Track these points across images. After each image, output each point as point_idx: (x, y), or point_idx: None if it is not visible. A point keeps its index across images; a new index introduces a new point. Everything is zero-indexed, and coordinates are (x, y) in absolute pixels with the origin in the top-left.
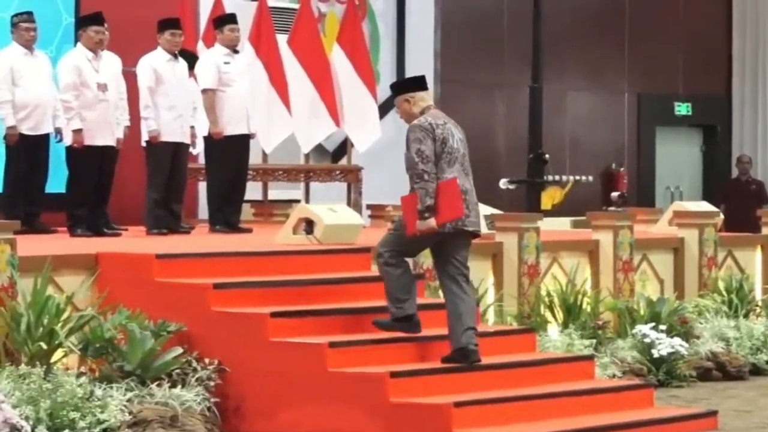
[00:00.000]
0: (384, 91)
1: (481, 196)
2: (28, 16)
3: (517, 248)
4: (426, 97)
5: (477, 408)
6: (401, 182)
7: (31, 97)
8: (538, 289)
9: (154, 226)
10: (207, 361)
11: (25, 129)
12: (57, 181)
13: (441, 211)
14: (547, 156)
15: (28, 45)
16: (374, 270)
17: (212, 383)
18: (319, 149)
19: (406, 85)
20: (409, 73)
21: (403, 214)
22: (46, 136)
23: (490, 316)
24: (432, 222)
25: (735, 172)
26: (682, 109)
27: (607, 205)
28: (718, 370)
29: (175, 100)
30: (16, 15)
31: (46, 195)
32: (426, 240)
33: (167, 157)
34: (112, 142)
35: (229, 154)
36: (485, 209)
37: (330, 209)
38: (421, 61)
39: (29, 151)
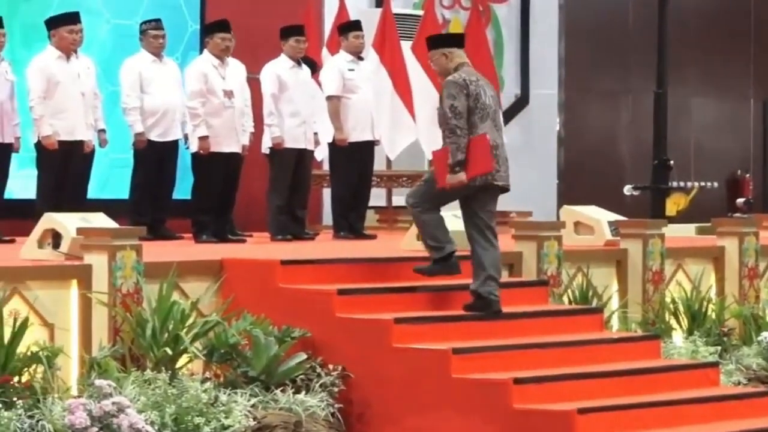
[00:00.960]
0: (507, 98)
1: (606, 202)
2: (157, 23)
3: (641, 255)
4: (462, 54)
5: (601, 415)
6: (523, 188)
7: (159, 104)
8: (663, 295)
9: (279, 232)
10: (331, 366)
11: (154, 136)
12: (183, 188)
13: (471, 165)
14: (671, 162)
15: (157, 52)
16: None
17: (336, 389)
18: None
19: (445, 40)
20: (534, 80)
21: (435, 167)
22: (175, 143)
23: (615, 322)
24: (462, 176)
25: None
26: None
27: (732, 212)
28: None
29: (299, 106)
30: (144, 22)
31: (172, 201)
32: (455, 193)
33: (291, 164)
34: (237, 149)
35: (354, 160)
36: (609, 216)
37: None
38: (545, 68)
39: (157, 157)
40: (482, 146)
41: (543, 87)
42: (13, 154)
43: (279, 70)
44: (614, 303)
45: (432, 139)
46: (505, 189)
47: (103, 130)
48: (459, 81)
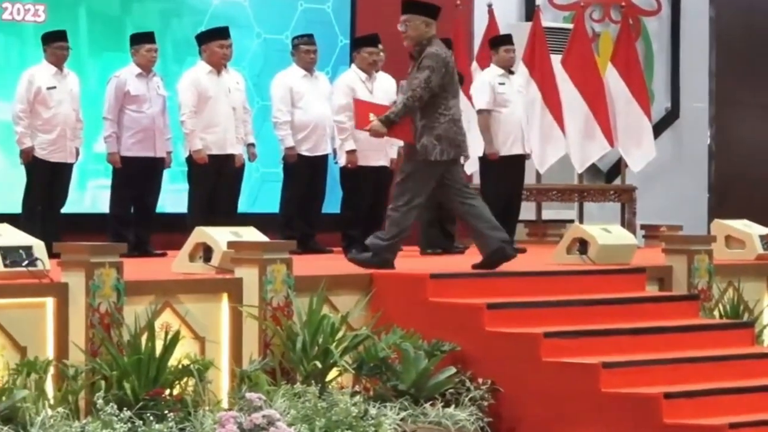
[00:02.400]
0: (658, 112)
1: (757, 216)
2: (309, 38)
3: None
4: (435, 27)
5: (752, 430)
6: (676, 202)
7: (309, 119)
8: None
9: (428, 246)
10: (480, 380)
11: (304, 150)
12: (332, 202)
13: (398, 129)
14: None
15: (308, 67)
16: (648, 291)
17: (485, 403)
18: (593, 169)
19: (429, 9)
20: (685, 93)
21: (359, 113)
22: (324, 157)
23: (766, 337)
24: (383, 130)
25: None
26: None
27: None
28: None
29: None
30: (296, 37)
31: (322, 215)
32: (431, 177)
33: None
34: (385, 163)
35: (504, 174)
36: (761, 229)
37: (604, 229)
38: (696, 81)
39: (307, 172)
40: (409, 124)
41: (693, 100)
42: (165, 169)
43: None
44: (765, 317)
45: (583, 153)
46: (467, 157)
47: (252, 145)
48: (443, 56)
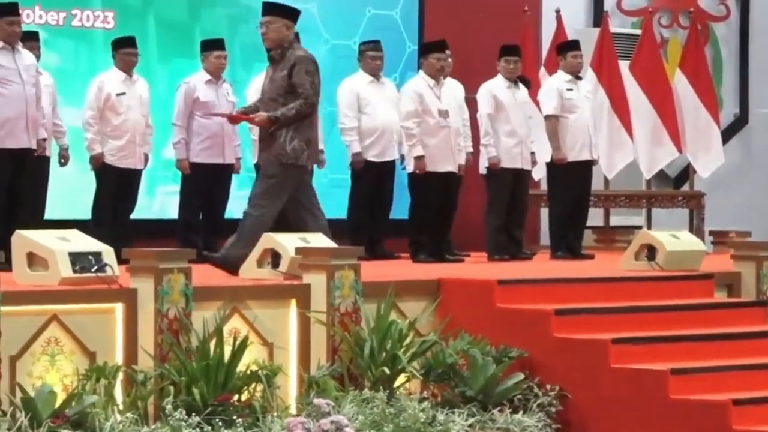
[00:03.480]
0: (726, 117)
1: None
2: (375, 44)
3: None
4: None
5: None
6: (745, 208)
7: (377, 124)
8: None
9: (496, 252)
10: (548, 386)
11: (371, 156)
12: (400, 208)
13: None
14: None
15: (375, 73)
16: (717, 297)
17: (553, 409)
18: (661, 175)
19: (290, 13)
20: (754, 98)
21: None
22: (392, 163)
23: None
24: (266, 127)
25: None
26: None
27: None
28: None
29: (516, 126)
30: (363, 43)
31: (389, 221)
32: (295, 181)
33: (508, 184)
34: (453, 169)
35: (572, 180)
36: None
37: (672, 235)
38: (765, 86)
39: (374, 177)
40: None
41: (762, 106)
42: (234, 175)
43: (495, 89)
44: None
45: (651, 158)
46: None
47: (321, 151)
48: (314, 60)
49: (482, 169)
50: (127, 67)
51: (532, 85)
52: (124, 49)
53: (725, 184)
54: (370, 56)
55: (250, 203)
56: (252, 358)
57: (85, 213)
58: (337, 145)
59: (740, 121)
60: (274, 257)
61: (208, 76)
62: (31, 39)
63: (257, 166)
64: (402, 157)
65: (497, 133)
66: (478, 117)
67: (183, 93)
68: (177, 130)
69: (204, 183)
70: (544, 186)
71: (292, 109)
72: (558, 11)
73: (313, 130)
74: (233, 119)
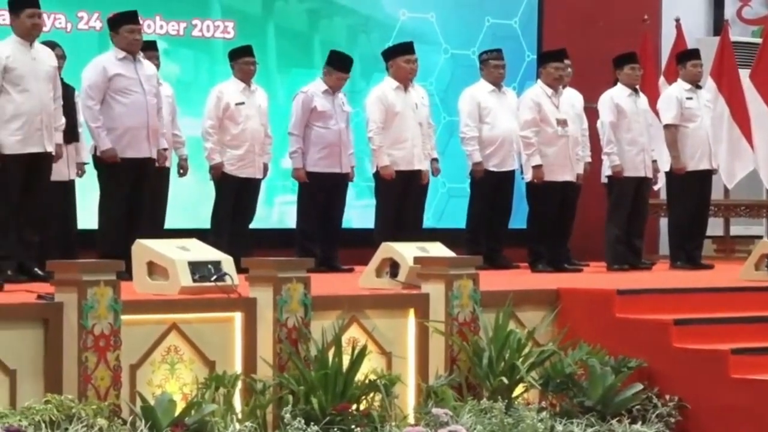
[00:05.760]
0: None
1: None
2: (497, 53)
3: None
4: None
5: None
6: None
7: (497, 134)
8: None
9: (615, 261)
10: (667, 397)
11: (491, 165)
12: (519, 217)
13: None
14: None
15: (497, 82)
16: None
17: (673, 420)
18: None
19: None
20: None
21: None
22: (511, 173)
23: None
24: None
25: None
26: None
27: None
28: None
29: (637, 134)
30: (485, 52)
31: (508, 230)
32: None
33: (629, 193)
34: (572, 178)
35: (692, 189)
36: None
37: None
38: None
39: (494, 187)
40: None
41: None
42: (351, 184)
43: (617, 98)
44: None
45: None
46: None
47: (435, 160)
48: None
49: (603, 177)
50: (245, 77)
51: (652, 95)
52: (242, 59)
53: None
54: (493, 65)
55: None
56: (370, 367)
57: (205, 222)
58: (457, 155)
59: None
60: (392, 267)
61: (326, 87)
62: (149, 49)
63: (375, 175)
64: (521, 167)
65: (619, 141)
66: (599, 125)
67: (300, 102)
68: (294, 139)
69: (321, 192)
70: (663, 195)
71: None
72: (678, 20)
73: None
74: None
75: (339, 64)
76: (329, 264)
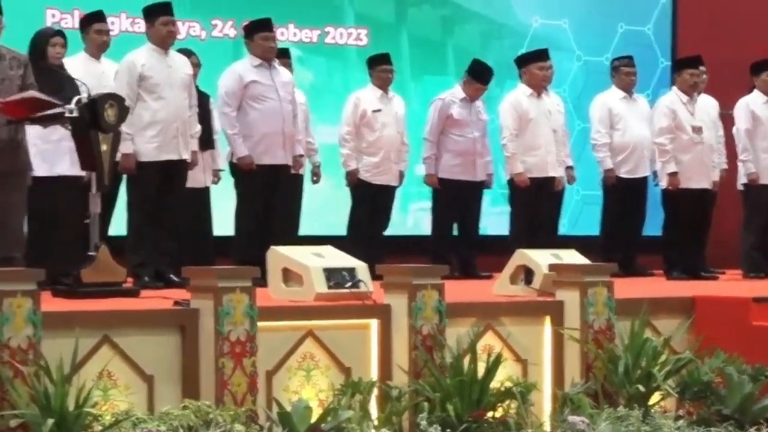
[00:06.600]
0: None
1: None
2: (629, 60)
3: None
4: None
5: None
6: None
7: (628, 140)
8: None
9: (752, 269)
10: None
11: (623, 172)
12: (654, 224)
13: None
14: None
15: (628, 89)
16: None
17: None
18: None
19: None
20: None
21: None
22: (644, 180)
23: None
24: None
25: None
26: None
27: None
28: None
29: None
30: (617, 59)
31: (642, 238)
32: None
33: (765, 201)
34: (707, 185)
35: None
36: None
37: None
38: None
39: (626, 194)
40: None
41: None
42: (487, 191)
43: (753, 105)
44: None
45: None
46: None
47: (570, 167)
48: None
49: (740, 185)
50: (383, 84)
51: None
52: (380, 66)
53: None
54: (624, 72)
55: None
56: (506, 374)
57: (339, 229)
58: (591, 162)
59: None
60: (527, 274)
61: (464, 95)
62: (283, 56)
63: (510, 182)
64: (654, 174)
65: (755, 149)
66: (734, 132)
67: (437, 109)
68: (428, 145)
69: (455, 199)
70: None
71: None
72: None
73: None
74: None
75: (478, 75)
76: (468, 271)
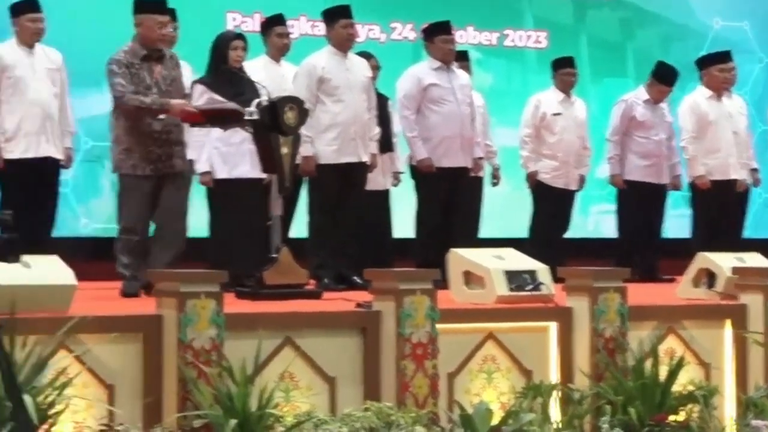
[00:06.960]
0: None
1: None
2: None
3: None
4: None
5: None
6: None
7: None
8: None
9: None
10: None
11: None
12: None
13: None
14: None
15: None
16: None
17: None
18: None
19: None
20: None
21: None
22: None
23: None
24: None
25: None
26: None
27: None
28: None
29: None
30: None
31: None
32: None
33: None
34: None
35: None
36: None
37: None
38: None
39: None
40: None
41: None
42: (671, 193)
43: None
44: None
45: None
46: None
47: (755, 169)
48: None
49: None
50: (565, 87)
51: None
52: (563, 69)
53: None
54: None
55: None
56: (688, 378)
57: (519, 231)
58: None
59: None
60: (709, 277)
61: (647, 96)
62: (461, 59)
63: (691, 185)
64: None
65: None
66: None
67: (621, 110)
68: (611, 146)
69: (640, 202)
70: None
71: None
72: None
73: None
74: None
75: (663, 77)
76: (651, 274)
